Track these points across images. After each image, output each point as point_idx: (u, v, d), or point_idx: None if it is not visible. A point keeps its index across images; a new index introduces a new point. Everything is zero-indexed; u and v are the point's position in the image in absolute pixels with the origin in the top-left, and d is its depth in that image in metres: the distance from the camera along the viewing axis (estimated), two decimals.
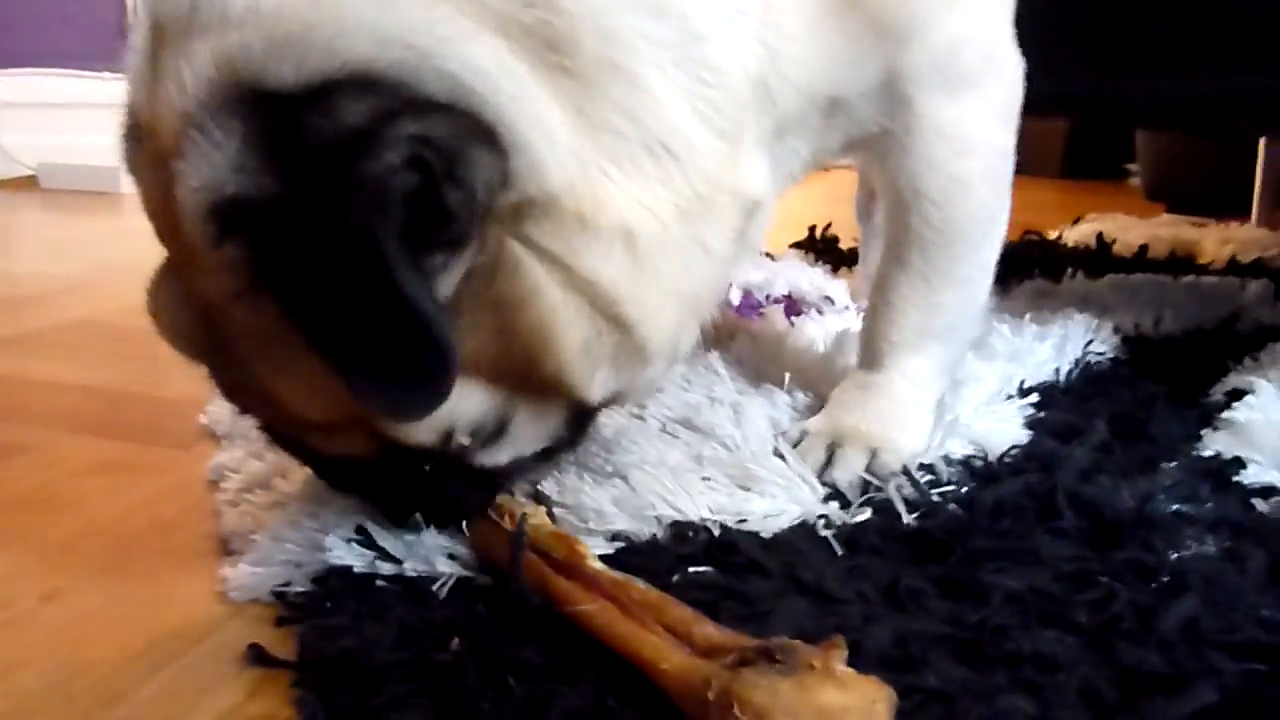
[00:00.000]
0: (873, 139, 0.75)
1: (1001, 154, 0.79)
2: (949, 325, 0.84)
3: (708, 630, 0.51)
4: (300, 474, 0.74)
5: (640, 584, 0.55)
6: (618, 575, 0.56)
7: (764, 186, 0.65)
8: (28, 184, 3.01)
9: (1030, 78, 0.80)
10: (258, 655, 0.56)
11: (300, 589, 0.62)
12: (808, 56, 0.64)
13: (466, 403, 0.57)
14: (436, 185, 0.48)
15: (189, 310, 0.56)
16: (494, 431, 0.60)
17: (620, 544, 0.66)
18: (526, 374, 0.57)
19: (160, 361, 1.19)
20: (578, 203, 0.54)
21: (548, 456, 0.66)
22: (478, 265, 0.52)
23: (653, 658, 0.49)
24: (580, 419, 0.65)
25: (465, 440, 0.59)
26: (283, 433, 0.62)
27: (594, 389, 0.60)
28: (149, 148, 0.53)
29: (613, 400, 0.64)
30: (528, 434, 0.62)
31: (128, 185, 2.22)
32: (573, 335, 0.56)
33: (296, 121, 0.47)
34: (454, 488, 0.63)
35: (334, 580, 0.62)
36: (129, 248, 2.20)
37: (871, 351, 0.84)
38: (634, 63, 0.56)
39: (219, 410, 0.94)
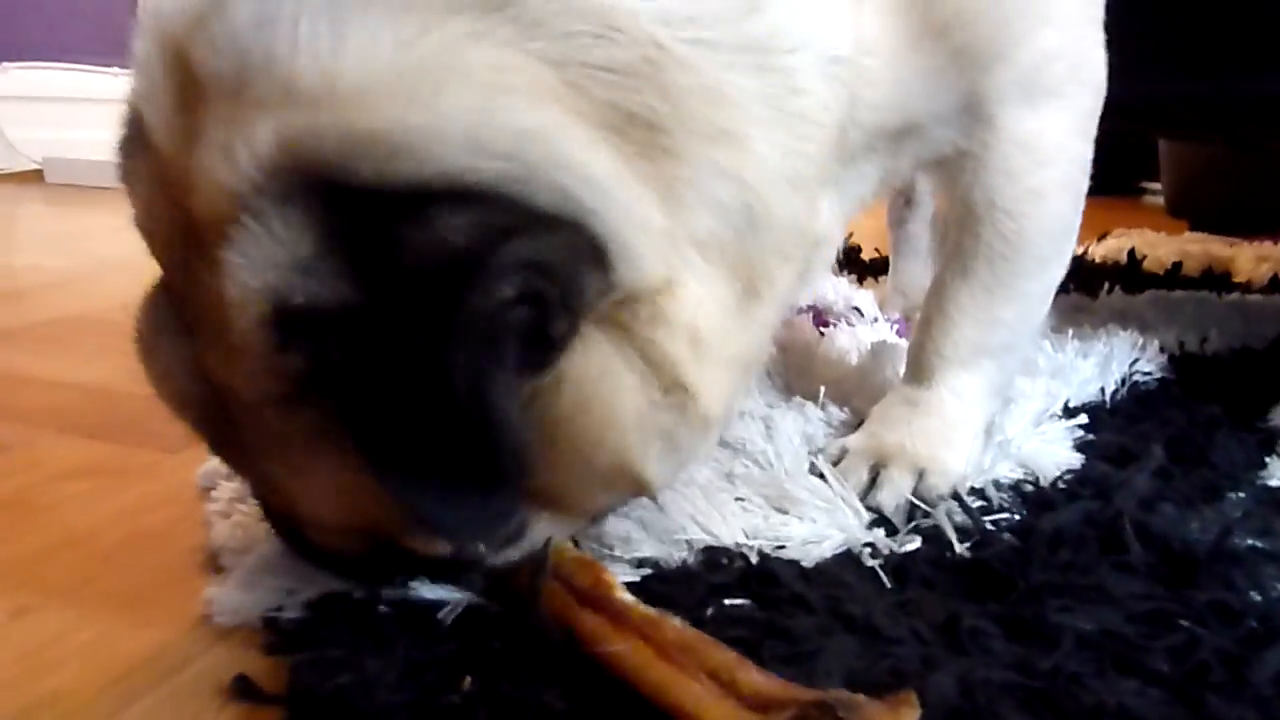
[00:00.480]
0: (946, 157, 0.70)
1: (1081, 164, 0.74)
2: (1005, 343, 0.78)
3: (754, 678, 0.44)
4: None
5: (675, 621, 0.48)
6: (650, 611, 0.49)
7: (830, 224, 0.61)
8: (33, 178, 2.97)
9: None
10: (244, 688, 0.50)
11: (293, 615, 0.56)
12: (887, 92, 0.60)
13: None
14: (547, 318, 0.44)
15: (198, 382, 0.50)
16: (512, 536, 0.55)
17: (648, 571, 0.60)
18: (565, 487, 0.53)
19: None
20: (657, 285, 0.50)
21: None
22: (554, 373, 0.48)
23: (694, 710, 0.43)
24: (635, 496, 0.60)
25: (479, 548, 0.54)
26: (279, 516, 0.57)
27: (652, 468, 0.54)
28: (165, 170, 0.48)
29: (668, 482, 0.59)
30: (543, 533, 0.56)
31: None
32: (635, 412, 0.51)
33: (388, 231, 0.42)
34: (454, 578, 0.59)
35: (330, 607, 0.56)
36: (129, 243, 2.14)
37: (921, 366, 0.78)
38: (740, 124, 0.51)
39: None
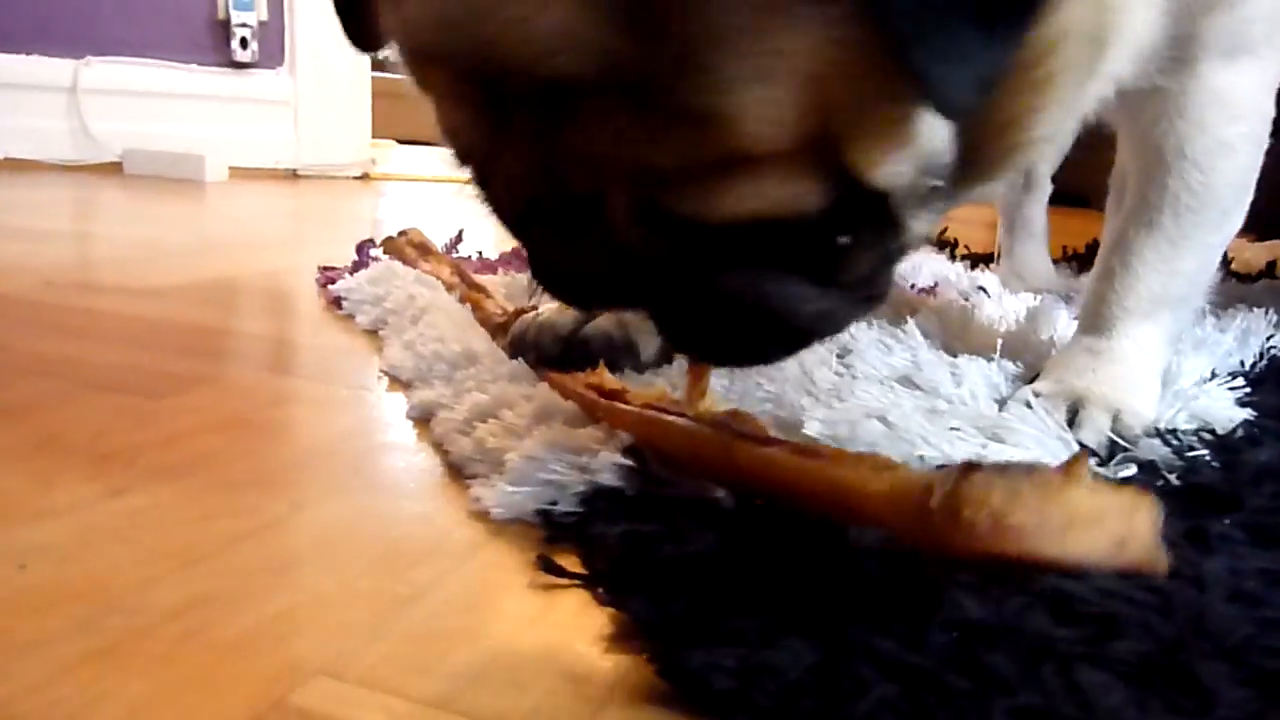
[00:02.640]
0: (1142, 95, 0.73)
1: (1266, 120, 0.78)
2: (1182, 294, 0.81)
3: (908, 472, 0.46)
4: (529, 407, 0.71)
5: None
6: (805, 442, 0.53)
7: None
8: (113, 169, 3.03)
9: None
10: (548, 565, 0.53)
11: (567, 509, 0.59)
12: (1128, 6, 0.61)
13: (938, 138, 0.47)
14: None
15: (591, 9, 0.41)
16: (948, 176, 0.50)
17: None
18: (995, 113, 0.49)
19: (311, 317, 1.17)
20: None
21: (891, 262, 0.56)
22: None
23: (857, 484, 0.44)
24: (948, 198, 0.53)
25: (934, 180, 0.49)
26: (634, 206, 0.47)
27: (1031, 142, 0.51)
28: None
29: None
30: (936, 209, 0.53)
31: (211, 173, 2.24)
32: (1079, 65, 0.51)
33: None
34: (864, 270, 0.53)
35: (602, 502, 0.59)
36: (223, 226, 2.20)
37: (1102, 316, 0.81)
38: None
39: (398, 355, 0.92)
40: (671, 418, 0.58)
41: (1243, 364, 1.01)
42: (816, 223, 0.47)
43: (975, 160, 0.50)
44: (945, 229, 1.81)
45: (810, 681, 0.40)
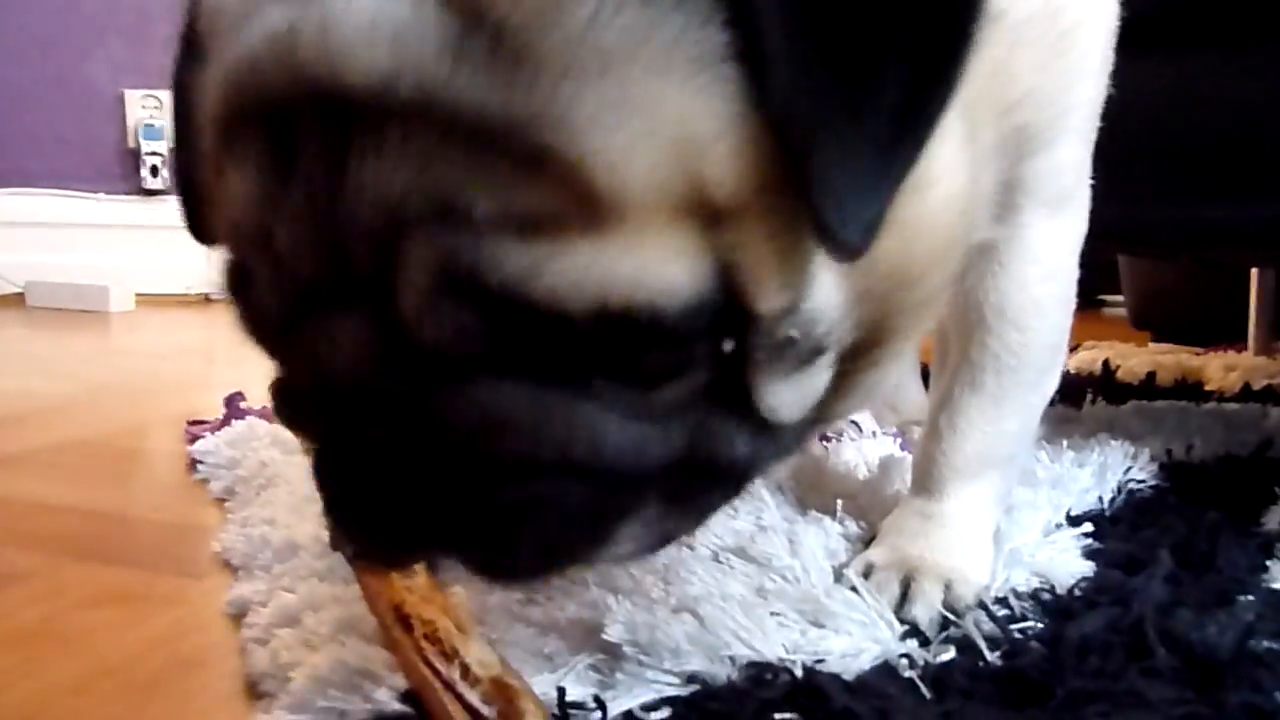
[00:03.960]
0: (969, 252, 0.74)
1: (1071, 282, 0.79)
2: (1009, 454, 0.82)
3: None
4: (334, 611, 0.68)
5: None
6: None
7: None
8: (15, 301, 2.97)
9: None
10: None
11: None
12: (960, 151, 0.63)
13: (824, 281, 0.44)
14: None
15: (433, 20, 0.36)
16: (810, 351, 0.45)
17: (696, 687, 0.61)
18: (878, 275, 0.46)
19: (165, 486, 1.13)
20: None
21: (782, 445, 0.51)
22: None
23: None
24: (837, 386, 0.49)
25: (794, 333, 0.43)
26: (437, 266, 0.38)
27: (914, 309, 0.50)
28: None
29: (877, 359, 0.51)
30: (814, 384, 0.47)
31: (115, 304, 2.23)
32: (953, 235, 0.50)
33: None
34: (690, 440, 0.45)
35: None
36: (118, 367, 2.15)
37: (931, 477, 0.81)
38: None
39: (233, 538, 0.89)
40: (433, 679, 0.55)
41: (1100, 500, 1.01)
42: (673, 321, 0.39)
43: (865, 329, 0.47)
44: None
45: None
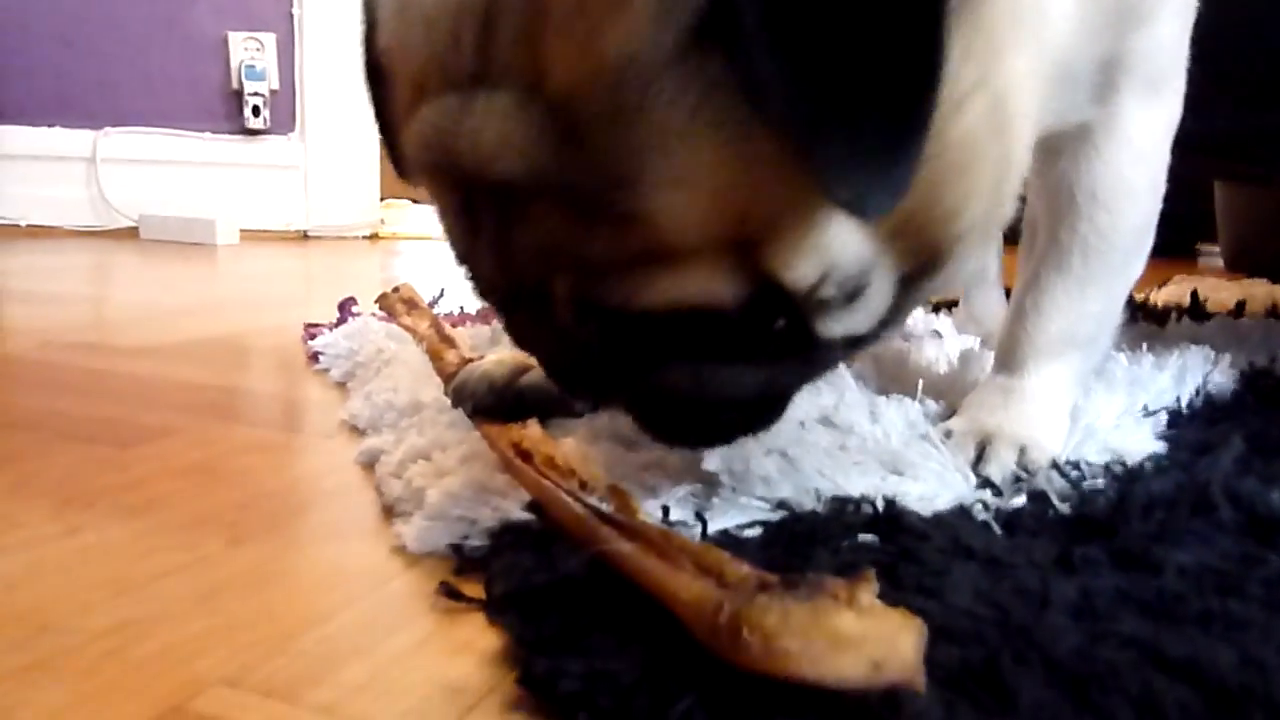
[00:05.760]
0: (1065, 134, 0.78)
1: (1163, 167, 0.82)
2: (1090, 335, 0.85)
3: (742, 569, 0.49)
4: (460, 450, 0.76)
5: (684, 537, 0.55)
6: (662, 527, 0.57)
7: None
8: (128, 235, 3.15)
9: None
10: (448, 591, 0.58)
11: (477, 542, 0.64)
12: (1070, 24, 0.66)
13: (851, 243, 0.52)
14: None
15: (520, 116, 0.47)
16: (854, 292, 0.54)
17: (785, 513, 0.67)
18: (912, 216, 0.52)
19: (289, 371, 1.23)
20: (996, 25, 0.53)
21: (852, 349, 0.61)
22: None
23: (674, 589, 0.48)
24: (902, 299, 0.58)
25: (833, 291, 0.53)
26: (573, 296, 0.53)
27: (965, 240, 0.56)
28: None
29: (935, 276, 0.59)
30: (871, 307, 0.56)
31: (222, 237, 2.35)
32: (984, 164, 0.53)
33: None
34: (770, 368, 0.58)
35: (511, 535, 0.64)
36: (230, 288, 2.29)
37: (1014, 355, 0.85)
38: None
39: (358, 405, 0.98)
40: (556, 489, 0.62)
41: (1178, 400, 1.04)
42: (735, 314, 0.52)
43: (913, 258, 0.55)
44: None
45: (644, 684, 0.44)
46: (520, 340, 0.61)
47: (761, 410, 0.63)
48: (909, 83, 0.44)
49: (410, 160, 0.54)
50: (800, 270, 0.51)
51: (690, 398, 0.58)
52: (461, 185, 0.52)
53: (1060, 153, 0.79)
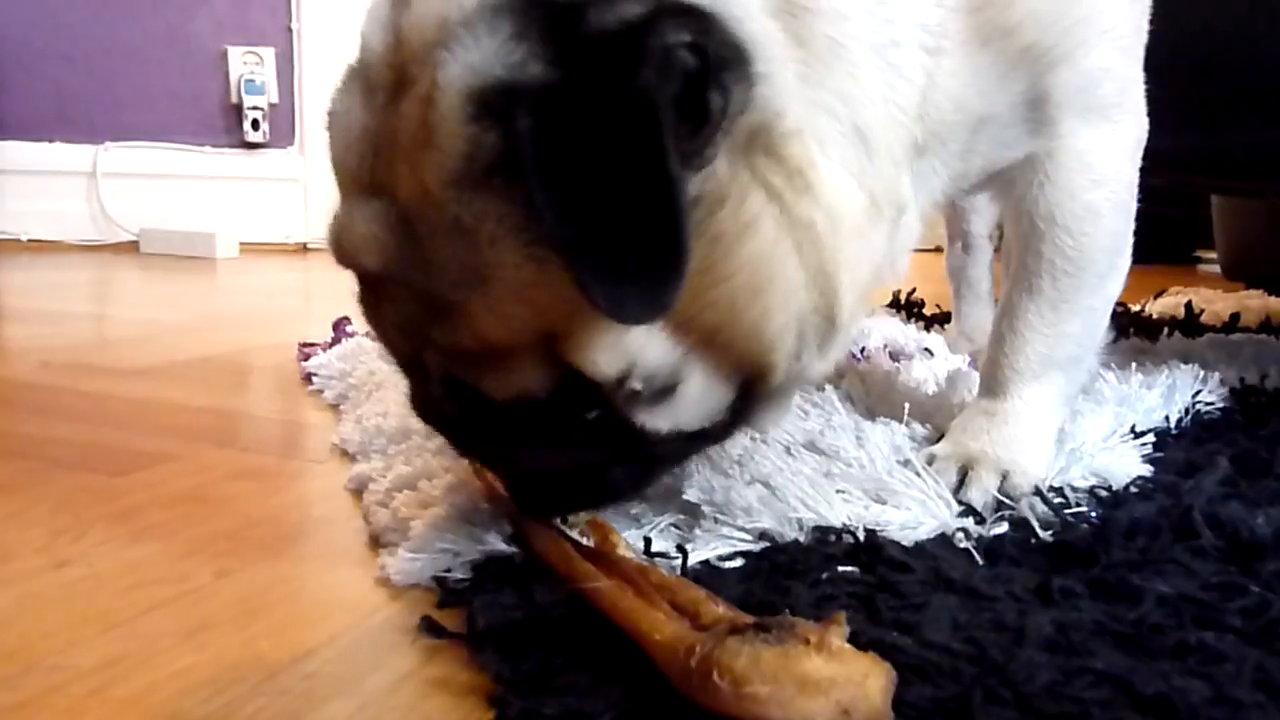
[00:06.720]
0: (1013, 167, 0.78)
1: (1129, 187, 0.82)
2: (1071, 355, 0.86)
3: (716, 609, 0.50)
4: (446, 478, 0.77)
5: (663, 572, 0.56)
6: (642, 562, 0.57)
7: (910, 197, 0.68)
8: (128, 248, 3.16)
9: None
10: (430, 626, 0.58)
11: (460, 575, 0.64)
12: (959, 83, 0.68)
13: (652, 346, 0.58)
14: (706, 80, 0.52)
15: (381, 221, 0.56)
16: (665, 388, 0.59)
17: (767, 543, 0.68)
18: (717, 330, 0.59)
19: (283, 393, 1.24)
20: (800, 152, 0.58)
21: (698, 441, 0.66)
22: (703, 193, 0.55)
23: (648, 629, 0.49)
24: (742, 403, 0.64)
25: (638, 385, 0.58)
26: (437, 372, 0.61)
27: (780, 354, 0.61)
28: (374, 75, 0.58)
29: (784, 383, 0.64)
30: (692, 405, 0.61)
31: (222, 250, 2.37)
32: (781, 281, 0.59)
33: (575, 17, 0.51)
34: (607, 452, 0.63)
35: (493, 568, 0.64)
36: (229, 303, 2.30)
37: (996, 379, 0.86)
38: (855, 52, 0.61)
39: (349, 430, 0.99)
40: (537, 521, 0.63)
41: (1167, 419, 1.04)
42: (548, 401, 0.59)
43: (736, 369, 0.61)
44: (914, 289, 1.88)
45: None
46: (412, 399, 0.67)
47: (596, 489, 0.67)
48: (652, 215, 0.50)
49: (329, 247, 0.63)
50: (601, 364, 0.57)
51: (531, 473, 0.66)
52: (355, 270, 0.61)
53: (1014, 182, 0.80)
